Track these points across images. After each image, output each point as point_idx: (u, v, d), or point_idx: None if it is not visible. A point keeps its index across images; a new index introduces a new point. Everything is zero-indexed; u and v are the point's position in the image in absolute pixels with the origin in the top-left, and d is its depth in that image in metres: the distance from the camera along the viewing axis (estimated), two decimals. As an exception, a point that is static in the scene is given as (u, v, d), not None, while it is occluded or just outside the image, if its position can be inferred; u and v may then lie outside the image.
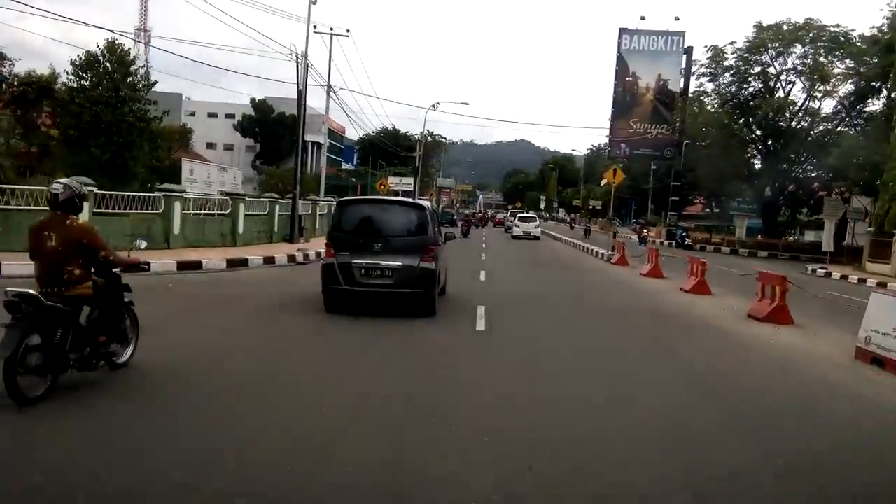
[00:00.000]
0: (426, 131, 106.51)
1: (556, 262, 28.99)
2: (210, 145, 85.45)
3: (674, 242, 45.86)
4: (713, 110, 45.39)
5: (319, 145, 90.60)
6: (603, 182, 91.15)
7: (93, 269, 5.80)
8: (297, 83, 25.97)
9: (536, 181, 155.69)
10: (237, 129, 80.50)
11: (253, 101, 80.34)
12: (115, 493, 3.91)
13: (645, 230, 45.82)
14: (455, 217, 61.89)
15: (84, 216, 9.18)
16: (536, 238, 43.03)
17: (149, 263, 7.67)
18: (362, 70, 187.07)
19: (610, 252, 27.92)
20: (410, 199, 15.40)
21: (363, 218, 10.77)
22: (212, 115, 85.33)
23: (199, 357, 7.27)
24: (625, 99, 51.68)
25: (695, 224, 60.83)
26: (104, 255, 5.72)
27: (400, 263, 10.09)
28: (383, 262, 10.10)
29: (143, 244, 7.06)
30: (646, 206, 69.65)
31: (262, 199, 26.61)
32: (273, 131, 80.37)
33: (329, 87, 35.52)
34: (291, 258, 19.89)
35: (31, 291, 5.19)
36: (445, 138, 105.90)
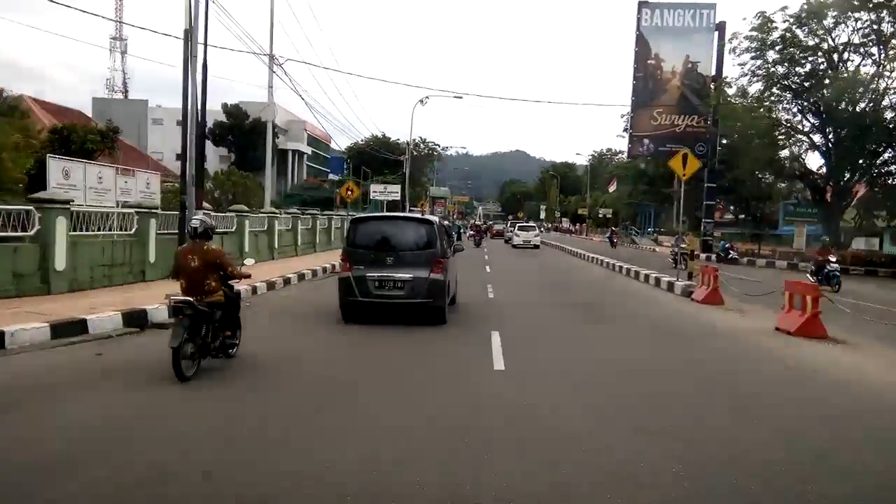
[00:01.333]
0: (418, 138, 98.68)
1: (584, 286, 20.56)
2: (178, 156, 76.93)
3: (713, 256, 37.05)
4: (756, 94, 36.66)
5: (300, 154, 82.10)
6: (611, 188, 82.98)
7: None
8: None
9: (535, 191, 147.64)
10: (208, 137, 71.66)
11: (225, 106, 71.75)
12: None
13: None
14: (461, 230, 53.13)
15: None
16: (536, 247, 42.95)
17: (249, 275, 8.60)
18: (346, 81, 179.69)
19: (683, 281, 19.03)
20: (420, 215, 15.35)
21: (376, 233, 11.37)
22: (180, 122, 76.62)
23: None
24: (646, 86, 43.11)
25: (721, 233, 52.03)
26: (230, 271, 7.59)
27: (411, 276, 10.67)
28: (396, 275, 10.68)
29: (252, 261, 9.91)
30: (665, 215, 60.95)
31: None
32: (247, 140, 71.77)
33: (271, 56, 26.70)
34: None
35: (189, 299, 6.99)
36: (438, 146, 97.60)
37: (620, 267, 27.05)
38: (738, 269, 29.94)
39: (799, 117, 36.87)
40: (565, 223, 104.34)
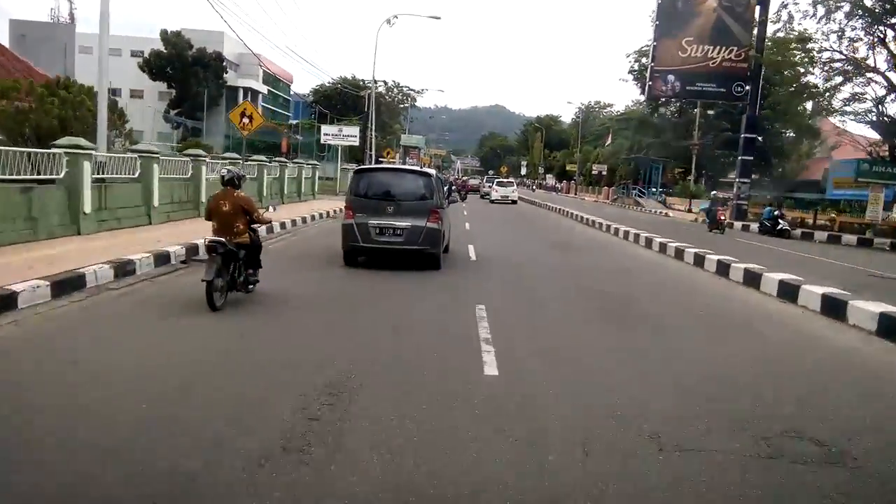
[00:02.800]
0: (391, 82, 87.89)
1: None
2: (113, 91, 65.40)
3: (753, 226, 28.28)
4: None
5: (254, 92, 71.11)
6: (606, 142, 73.57)
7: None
8: None
9: (518, 145, 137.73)
10: (143, 69, 60.47)
11: (164, 33, 60.29)
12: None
13: (721, 207, 27.86)
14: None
15: None
16: (514, 202, 42.35)
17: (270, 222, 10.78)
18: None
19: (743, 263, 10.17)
20: (419, 168, 15.55)
21: (378, 183, 11.70)
22: (113, 51, 64.77)
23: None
24: (674, 7, 33.51)
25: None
26: (256, 216, 8.17)
27: (410, 224, 11.01)
28: (395, 223, 11.03)
29: (272, 208, 12.40)
30: (672, 173, 51.89)
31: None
32: (191, 73, 60.73)
33: None
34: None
35: (222, 239, 7.63)
36: (413, 90, 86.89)
37: (636, 236, 19.47)
38: (795, 246, 21.50)
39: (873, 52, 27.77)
40: (550, 180, 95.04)
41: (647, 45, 52.56)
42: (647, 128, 54.08)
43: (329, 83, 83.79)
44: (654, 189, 49.30)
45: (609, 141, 68.39)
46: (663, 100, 44.94)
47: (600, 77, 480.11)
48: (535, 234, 22.57)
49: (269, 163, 25.42)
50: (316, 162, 29.15)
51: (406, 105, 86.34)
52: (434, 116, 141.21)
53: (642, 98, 54.73)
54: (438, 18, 38.96)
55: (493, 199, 42.50)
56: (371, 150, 49.26)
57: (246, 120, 20.25)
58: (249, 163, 22.56)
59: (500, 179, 50.16)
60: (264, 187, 23.83)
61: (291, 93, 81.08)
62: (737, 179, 33.22)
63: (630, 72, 52.79)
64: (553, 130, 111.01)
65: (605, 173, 64.10)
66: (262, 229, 9.45)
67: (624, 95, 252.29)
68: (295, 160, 29.59)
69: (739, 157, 33.24)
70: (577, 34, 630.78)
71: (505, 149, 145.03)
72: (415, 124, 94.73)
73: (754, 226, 28.34)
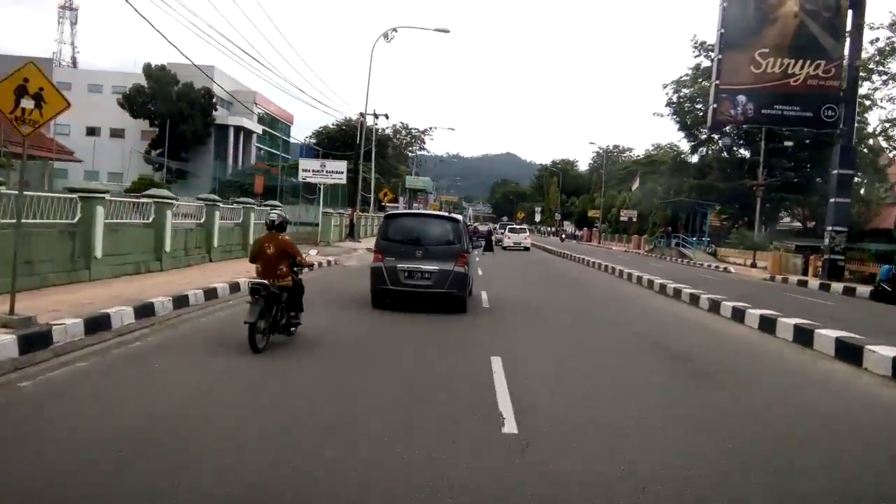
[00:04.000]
0: (399, 124, 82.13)
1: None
2: (91, 131, 59.24)
3: (873, 288, 20.53)
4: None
5: (247, 132, 64.65)
6: (634, 185, 66.17)
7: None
8: None
9: (531, 191, 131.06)
10: (123, 106, 54.17)
11: (147, 67, 54.12)
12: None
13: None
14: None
15: None
16: (526, 249, 40.93)
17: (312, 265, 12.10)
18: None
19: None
20: (447, 214, 15.26)
21: (406, 228, 11.93)
22: (94, 88, 59.01)
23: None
24: (745, 12, 26.33)
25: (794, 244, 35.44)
26: (299, 260, 8.28)
27: (438, 268, 11.09)
28: (424, 266, 11.09)
29: (314, 251, 13.12)
30: (721, 221, 44.00)
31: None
32: (176, 110, 54.34)
33: None
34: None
35: (265, 281, 7.62)
36: (422, 132, 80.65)
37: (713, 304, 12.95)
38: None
39: None
40: (568, 227, 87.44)
41: (687, 75, 45.97)
42: (686, 169, 46.67)
43: (333, 125, 77.95)
44: (698, 238, 41.45)
45: (636, 185, 61.00)
46: (729, 128, 37.55)
47: (615, 123, 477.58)
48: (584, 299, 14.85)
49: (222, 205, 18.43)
50: (251, 202, 21.73)
51: (414, 148, 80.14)
52: (444, 161, 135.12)
53: (681, 135, 47.65)
54: (447, 31, 32.22)
55: (504, 245, 40.47)
56: (370, 192, 42.15)
57: (28, 104, 7.22)
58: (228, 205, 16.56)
59: (513, 226, 48.80)
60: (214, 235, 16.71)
61: (291, 134, 74.88)
62: (829, 228, 25.37)
63: (668, 104, 45.77)
64: (569, 175, 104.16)
65: (634, 220, 56.39)
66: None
67: (644, 139, 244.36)
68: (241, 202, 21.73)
69: (833, 200, 25.51)
70: (589, 81, 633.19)
71: (518, 195, 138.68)
72: (423, 168, 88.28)
73: (861, 288, 20.84)
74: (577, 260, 32.80)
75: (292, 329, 8.24)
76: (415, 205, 58.08)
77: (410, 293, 11.18)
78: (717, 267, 33.53)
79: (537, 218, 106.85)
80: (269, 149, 68.86)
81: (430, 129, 67.98)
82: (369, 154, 47.52)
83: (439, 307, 11.28)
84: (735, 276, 28.33)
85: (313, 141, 79.41)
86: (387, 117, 44.52)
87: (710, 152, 47.29)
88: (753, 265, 32.90)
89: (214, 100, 57.21)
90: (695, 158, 47.63)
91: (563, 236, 68.86)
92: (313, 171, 27.62)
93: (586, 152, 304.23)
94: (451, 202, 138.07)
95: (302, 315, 8.48)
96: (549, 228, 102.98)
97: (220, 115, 58.42)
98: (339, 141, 79.60)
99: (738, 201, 40.18)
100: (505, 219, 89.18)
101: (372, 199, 42.11)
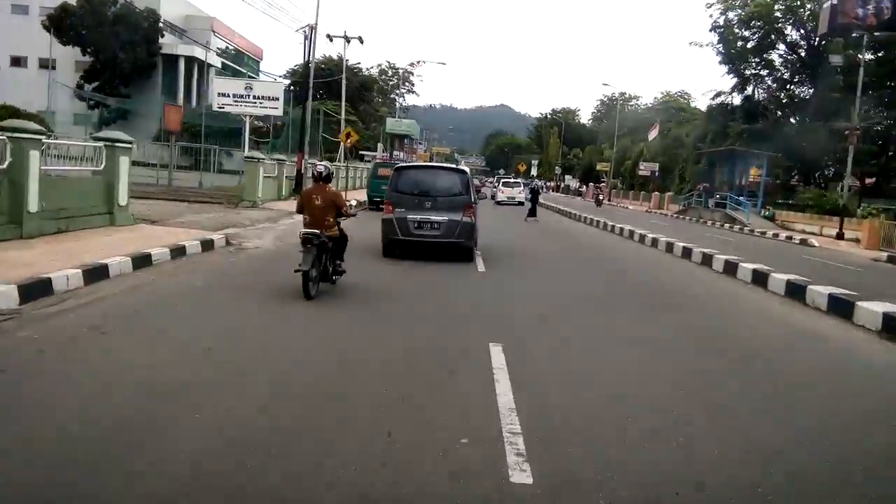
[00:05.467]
0: (385, 63, 71.72)
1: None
2: (16, 61, 48.92)
3: None
4: None
5: (202, 65, 54.35)
6: (652, 135, 56.61)
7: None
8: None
9: (529, 143, 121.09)
10: (48, 29, 43.81)
11: (76, -18, 43.43)
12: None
13: None
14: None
15: None
16: (520, 203, 36.25)
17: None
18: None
19: None
20: (455, 166, 14.78)
21: (416, 181, 11.85)
22: (18, 9, 48.35)
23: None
24: None
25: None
26: (344, 210, 8.22)
27: (447, 218, 11.18)
28: (433, 217, 11.19)
29: (355, 202, 12.38)
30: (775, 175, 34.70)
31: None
32: (111, 36, 44.07)
33: None
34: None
35: (318, 231, 7.68)
36: (412, 72, 70.45)
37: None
38: None
39: None
40: (570, 181, 78.09)
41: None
42: (724, 113, 37.37)
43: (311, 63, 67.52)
44: (745, 198, 32.35)
45: (654, 133, 51.60)
46: (784, 61, 28.11)
47: (616, 72, 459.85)
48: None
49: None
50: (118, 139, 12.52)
51: (402, 90, 70.15)
52: (436, 110, 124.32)
53: (726, 70, 38.00)
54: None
55: (498, 200, 38.36)
56: (315, 127, 32.70)
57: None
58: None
59: (506, 179, 47.01)
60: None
61: (261, 71, 64.36)
62: None
63: (714, 28, 36.09)
64: (569, 126, 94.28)
65: (657, 174, 47.22)
66: None
67: (648, 87, 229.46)
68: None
69: None
70: (586, 28, 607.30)
71: (513, 147, 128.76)
72: (412, 116, 78.24)
73: None
74: (595, 224, 24.01)
75: (334, 278, 8.18)
76: (396, 153, 48.82)
77: (420, 243, 11.29)
78: (789, 238, 24.72)
79: (534, 171, 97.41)
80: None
81: (418, 62, 57.91)
82: (342, 91, 37.96)
83: (447, 256, 11.37)
84: (834, 253, 19.57)
85: (287, 81, 69.33)
86: (361, 41, 35.00)
87: (756, 92, 37.87)
88: (840, 236, 24.10)
89: (161, 24, 46.80)
90: (737, 99, 38.18)
91: (597, 195, 58.24)
92: (234, 96, 18.50)
93: (588, 101, 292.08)
94: (444, 154, 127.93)
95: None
96: (543, 183, 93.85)
97: (169, 44, 47.99)
98: (319, 82, 69.82)
99: (798, 154, 31.16)
100: (501, 171, 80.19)
101: (341, 147, 32.94)
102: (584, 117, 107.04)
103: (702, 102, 69.67)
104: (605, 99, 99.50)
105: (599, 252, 15.78)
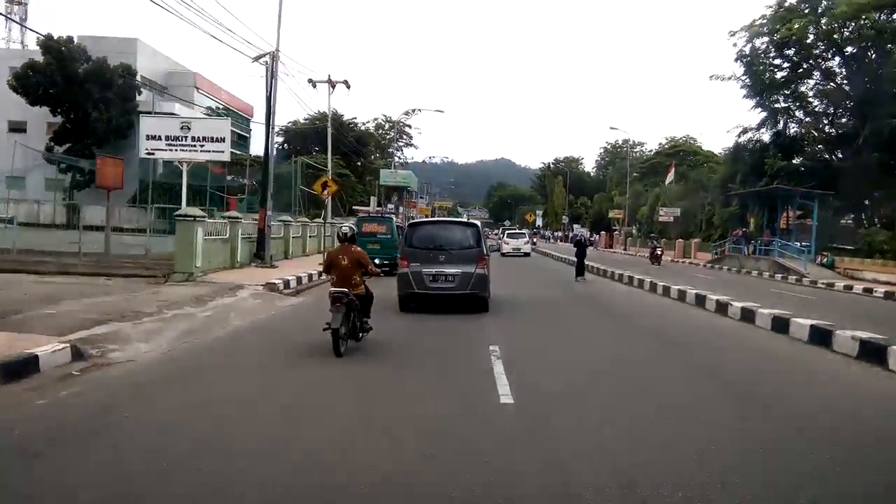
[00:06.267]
0: (381, 117, 68.13)
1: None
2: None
3: None
4: None
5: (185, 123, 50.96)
6: (669, 178, 52.35)
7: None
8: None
9: (531, 193, 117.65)
10: (16, 89, 40.43)
11: (46, 40, 40.17)
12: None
13: None
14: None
15: None
16: (526, 255, 37.25)
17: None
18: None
19: None
20: (466, 220, 15.74)
21: (429, 235, 12.06)
22: (-14, 69, 45.12)
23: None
24: None
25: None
26: (370, 269, 8.28)
27: (460, 271, 11.29)
28: (447, 270, 11.29)
29: (377, 260, 10.80)
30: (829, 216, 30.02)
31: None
32: (82, 94, 40.69)
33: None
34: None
35: (346, 290, 7.77)
36: (410, 126, 67.24)
37: None
38: None
39: None
40: (578, 229, 73.64)
41: (761, 20, 32.49)
42: (758, 152, 33.09)
43: (305, 119, 64.56)
44: (794, 243, 27.58)
45: (670, 177, 47.44)
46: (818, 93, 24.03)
47: (616, 121, 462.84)
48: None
49: None
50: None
51: (400, 144, 66.75)
52: (438, 165, 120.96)
53: (753, 103, 33.97)
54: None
55: (503, 252, 37.12)
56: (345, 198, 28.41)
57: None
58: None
59: (511, 231, 46.32)
60: None
61: (252, 128, 60.98)
62: None
63: (739, 58, 32.16)
64: (573, 175, 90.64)
65: (676, 218, 42.74)
66: None
67: (651, 135, 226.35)
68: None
69: None
70: (585, 80, 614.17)
71: (516, 198, 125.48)
72: (412, 169, 74.69)
73: None
74: (625, 280, 19.27)
75: (361, 335, 8.29)
76: (389, 206, 44.58)
77: (436, 296, 11.33)
78: (867, 290, 19.90)
79: (539, 221, 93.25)
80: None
81: (414, 111, 54.22)
82: (328, 139, 34.05)
83: (462, 308, 11.43)
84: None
85: (280, 139, 66.10)
86: (348, 86, 30.94)
87: (787, 126, 33.68)
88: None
89: (139, 80, 43.50)
90: (766, 136, 33.95)
91: (654, 248, 52.71)
92: (167, 138, 14.27)
93: (590, 150, 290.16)
94: (446, 208, 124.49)
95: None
96: (551, 233, 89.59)
97: (147, 101, 44.53)
98: (311, 137, 66.49)
99: (852, 189, 26.69)
100: (507, 223, 76.22)
101: (328, 202, 28.65)
102: (588, 166, 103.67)
103: (718, 143, 65.83)
104: (609, 146, 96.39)
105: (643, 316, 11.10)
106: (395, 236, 18.69)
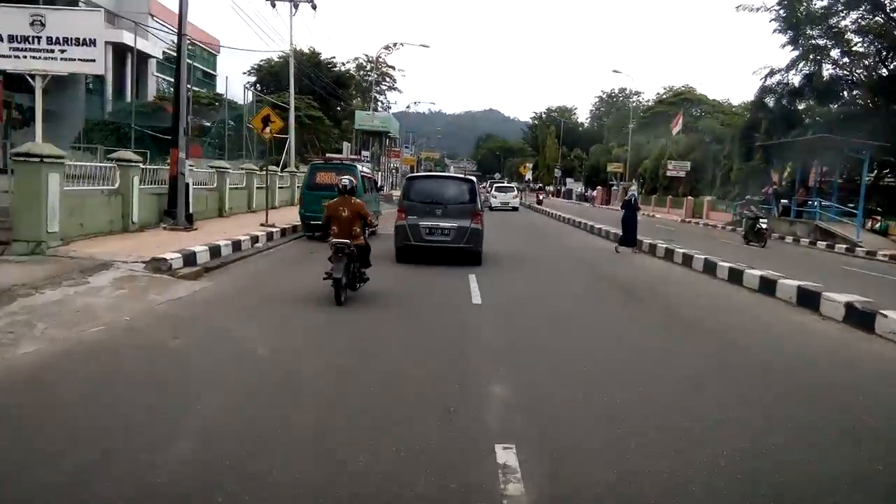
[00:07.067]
0: (363, 57, 62.07)
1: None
2: None
3: None
4: None
5: (140, 56, 44.93)
6: (676, 128, 47.47)
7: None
8: None
9: (521, 145, 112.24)
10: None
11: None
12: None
13: None
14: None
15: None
16: (515, 209, 36.91)
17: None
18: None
19: None
20: (463, 176, 14.32)
21: (427, 189, 12.15)
22: None
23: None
24: None
25: None
26: (369, 220, 8.35)
27: (456, 224, 11.45)
28: (443, 224, 11.44)
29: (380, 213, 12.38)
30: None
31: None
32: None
33: None
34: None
35: (348, 241, 7.79)
36: (393, 68, 61.53)
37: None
38: None
39: None
40: (574, 185, 69.22)
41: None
42: (789, 97, 28.42)
43: (279, 57, 58.55)
44: (817, 201, 23.28)
45: (678, 127, 42.71)
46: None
47: (608, 70, 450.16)
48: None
49: None
50: None
51: (383, 87, 61.12)
52: (425, 114, 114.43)
53: (785, 39, 29.14)
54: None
55: (492, 206, 36.12)
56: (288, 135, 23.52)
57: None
58: None
59: (499, 184, 45.84)
60: None
61: (218, 67, 55.03)
62: None
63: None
64: (567, 126, 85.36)
65: (685, 172, 38.34)
66: None
67: (649, 84, 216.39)
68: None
69: None
70: (572, 28, 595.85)
71: (505, 150, 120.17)
72: (399, 118, 69.14)
73: None
74: (659, 254, 14.97)
75: (358, 285, 8.36)
76: (364, 153, 39.45)
77: (431, 248, 11.52)
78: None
79: (528, 175, 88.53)
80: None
81: (395, 45, 48.34)
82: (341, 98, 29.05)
83: (457, 260, 11.63)
84: None
85: (252, 79, 60.12)
86: (314, 7, 25.70)
87: (820, 67, 28.96)
88: None
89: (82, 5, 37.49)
90: (796, 78, 29.28)
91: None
92: (10, 39, 9.51)
93: (584, 100, 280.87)
94: (433, 158, 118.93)
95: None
96: (542, 188, 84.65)
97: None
98: (283, 77, 60.61)
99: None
100: (497, 176, 71.60)
101: (289, 146, 23.91)
102: (582, 116, 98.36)
103: (722, 92, 60.99)
104: (604, 95, 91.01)
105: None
106: (360, 191, 14.12)
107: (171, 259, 9.06)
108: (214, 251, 10.49)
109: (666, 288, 10.77)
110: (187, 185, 12.79)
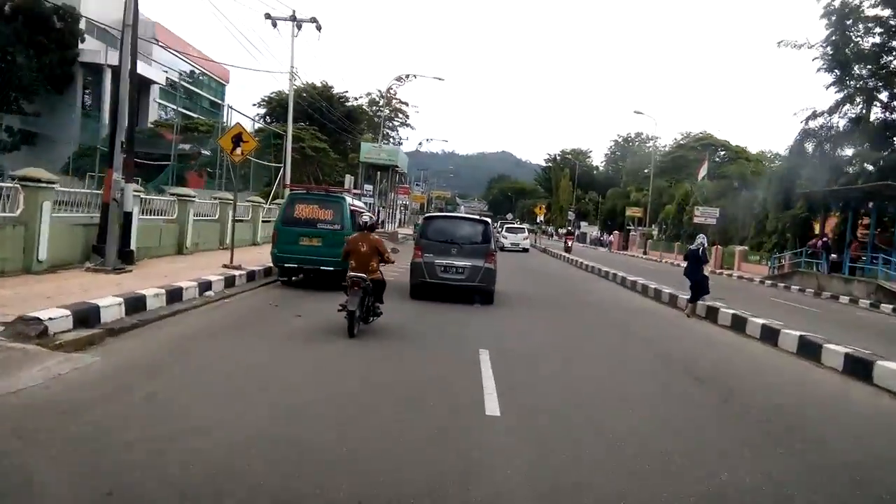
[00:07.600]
0: (377, 92, 60.47)
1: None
2: None
3: None
4: None
5: (143, 83, 43.23)
6: (701, 173, 44.72)
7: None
8: None
9: (533, 186, 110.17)
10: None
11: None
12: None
13: None
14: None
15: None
16: (525, 250, 36.88)
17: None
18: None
19: None
20: (478, 217, 14.39)
21: (443, 229, 12.49)
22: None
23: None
24: None
25: None
26: (386, 257, 8.57)
27: (471, 264, 11.69)
28: (458, 262, 11.68)
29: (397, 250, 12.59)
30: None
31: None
32: (7, 35, 33.07)
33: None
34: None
35: (365, 275, 8.04)
36: (407, 104, 59.72)
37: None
38: None
39: None
40: (589, 229, 66.49)
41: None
42: (838, 140, 25.76)
43: (287, 91, 56.81)
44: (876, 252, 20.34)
45: (703, 172, 40.08)
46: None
47: (621, 117, 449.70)
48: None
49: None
50: None
51: (395, 121, 59.23)
52: (441, 168, 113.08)
53: (831, 79, 26.63)
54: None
55: (502, 246, 33.87)
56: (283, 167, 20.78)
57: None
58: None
59: (510, 225, 44.83)
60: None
61: (226, 97, 53.34)
62: None
63: (826, 13, 24.74)
64: (581, 168, 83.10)
65: (711, 221, 35.47)
66: None
67: (665, 129, 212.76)
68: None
69: None
70: (589, 74, 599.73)
71: (517, 192, 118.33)
72: (412, 158, 67.17)
73: None
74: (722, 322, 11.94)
75: (371, 318, 8.52)
76: (367, 187, 36.99)
77: (446, 286, 11.65)
78: None
79: (539, 220, 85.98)
80: (185, 111, 47.14)
81: (409, 76, 46.16)
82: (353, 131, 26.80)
83: (469, 298, 11.78)
84: None
85: (262, 111, 58.37)
86: (318, 28, 23.51)
87: (869, 110, 26.37)
88: None
89: (81, 25, 35.82)
90: (841, 121, 26.65)
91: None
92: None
93: (598, 144, 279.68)
94: (444, 198, 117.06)
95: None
96: (558, 229, 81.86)
97: (92, 51, 36.86)
98: (297, 111, 58.90)
99: None
100: (509, 216, 69.12)
101: (282, 178, 21.50)
102: (597, 160, 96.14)
103: (741, 139, 58.44)
104: (620, 139, 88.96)
105: None
106: (348, 228, 11.43)
107: (52, 318, 6.24)
108: (135, 304, 7.67)
109: (782, 400, 7.72)
110: (128, 214, 10.12)
